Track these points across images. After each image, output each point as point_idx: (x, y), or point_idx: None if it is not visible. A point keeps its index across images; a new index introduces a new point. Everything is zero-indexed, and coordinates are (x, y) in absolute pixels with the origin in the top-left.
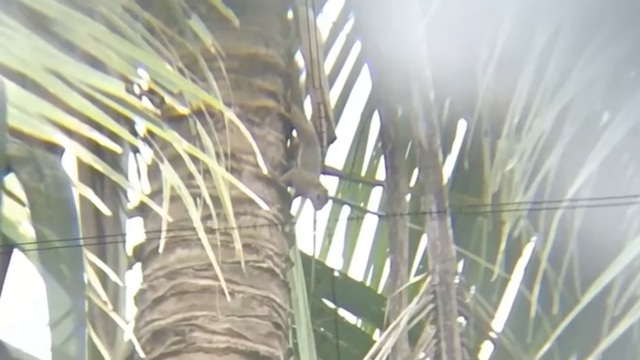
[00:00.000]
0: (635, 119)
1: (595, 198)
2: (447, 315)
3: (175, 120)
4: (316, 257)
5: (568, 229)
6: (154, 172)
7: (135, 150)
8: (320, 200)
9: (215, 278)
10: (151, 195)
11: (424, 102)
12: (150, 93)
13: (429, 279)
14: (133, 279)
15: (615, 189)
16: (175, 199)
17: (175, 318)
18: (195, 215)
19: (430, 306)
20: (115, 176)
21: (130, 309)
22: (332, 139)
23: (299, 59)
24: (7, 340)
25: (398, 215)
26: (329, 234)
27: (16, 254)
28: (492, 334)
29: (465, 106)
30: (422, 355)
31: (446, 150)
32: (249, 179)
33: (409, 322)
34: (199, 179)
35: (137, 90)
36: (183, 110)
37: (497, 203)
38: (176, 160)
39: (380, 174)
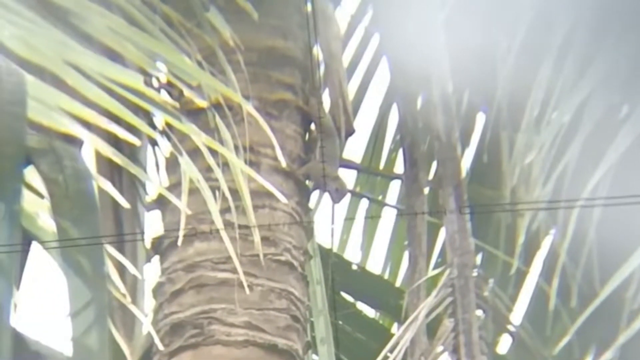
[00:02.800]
0: None
1: (612, 197)
2: (465, 309)
3: (194, 113)
4: (334, 250)
5: (587, 221)
6: (172, 165)
7: (154, 143)
8: (338, 193)
9: (234, 271)
10: (170, 188)
11: (442, 95)
12: (169, 86)
13: (447, 272)
14: (151, 272)
15: (634, 183)
16: (193, 191)
17: (193, 311)
18: (214, 208)
19: (449, 299)
20: (133, 169)
21: (149, 302)
22: (350, 131)
23: (317, 51)
24: (26, 332)
25: (420, 213)
26: (347, 227)
27: (35, 246)
28: (510, 327)
29: (484, 99)
30: (440, 348)
31: (465, 143)
32: (267, 172)
33: (427, 315)
34: (218, 172)
35: (155, 83)
36: (201, 103)
37: (514, 202)
38: (195, 153)
39: (399, 167)
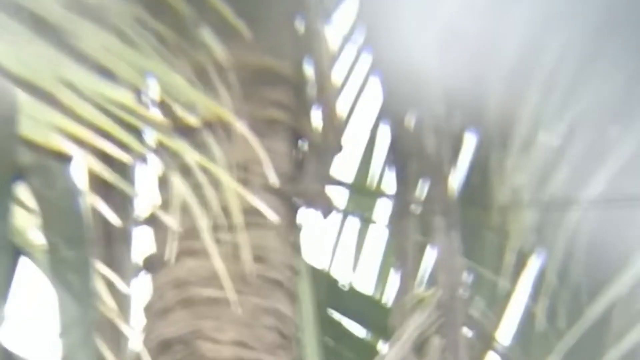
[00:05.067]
0: None
1: (605, 206)
2: (453, 328)
3: (185, 131)
4: (323, 268)
5: (575, 240)
6: (163, 183)
7: (145, 160)
8: (326, 211)
9: (223, 288)
10: (160, 206)
11: (433, 114)
12: (160, 103)
13: (435, 290)
14: (141, 289)
15: (624, 204)
16: (184, 209)
17: (182, 328)
18: (203, 225)
19: (437, 318)
20: (124, 186)
21: (137, 319)
22: (340, 149)
23: (308, 69)
24: (14, 349)
25: (409, 233)
26: (336, 245)
27: (24, 262)
28: (497, 346)
29: (474, 118)
30: None
31: (454, 162)
32: (257, 189)
33: (415, 334)
34: (208, 190)
35: (146, 100)
36: (193, 120)
37: (503, 221)
38: (185, 171)
39: (389, 186)
